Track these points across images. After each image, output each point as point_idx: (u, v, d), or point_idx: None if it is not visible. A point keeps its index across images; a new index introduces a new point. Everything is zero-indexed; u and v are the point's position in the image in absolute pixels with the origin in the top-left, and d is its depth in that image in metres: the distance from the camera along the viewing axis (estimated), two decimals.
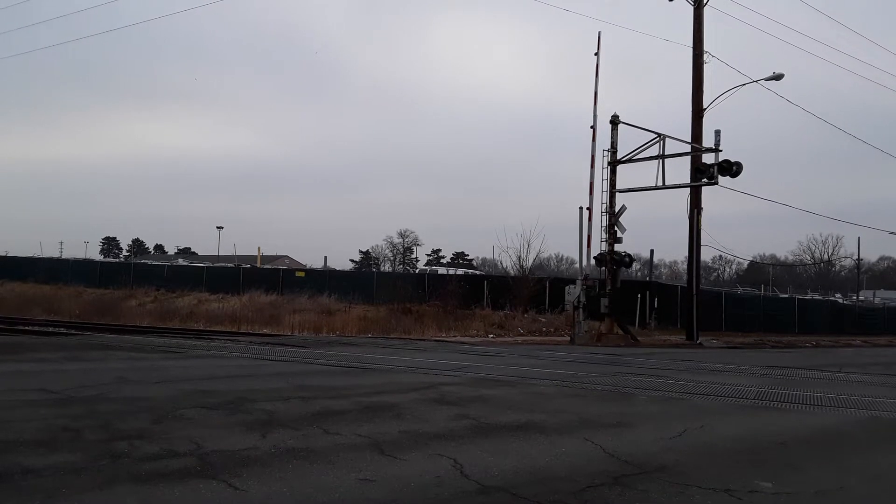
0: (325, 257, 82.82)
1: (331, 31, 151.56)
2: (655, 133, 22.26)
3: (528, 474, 4.30)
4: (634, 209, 22.86)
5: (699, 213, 23.67)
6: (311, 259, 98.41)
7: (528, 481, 4.13)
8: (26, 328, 19.71)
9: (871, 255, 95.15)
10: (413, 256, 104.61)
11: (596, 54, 22.45)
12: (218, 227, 73.86)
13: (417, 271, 69.63)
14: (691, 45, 24.82)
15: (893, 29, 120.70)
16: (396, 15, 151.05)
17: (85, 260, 60.19)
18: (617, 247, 22.23)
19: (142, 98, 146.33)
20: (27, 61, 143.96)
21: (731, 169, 21.22)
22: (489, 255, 75.75)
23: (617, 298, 22.42)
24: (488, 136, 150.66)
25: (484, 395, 7.89)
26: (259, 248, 70.94)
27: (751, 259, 77.74)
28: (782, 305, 41.14)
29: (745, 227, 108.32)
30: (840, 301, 56.32)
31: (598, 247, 22.32)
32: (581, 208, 22.18)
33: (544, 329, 26.38)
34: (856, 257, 68.26)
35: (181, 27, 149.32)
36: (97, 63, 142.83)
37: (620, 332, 22.10)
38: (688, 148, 23.10)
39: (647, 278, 42.36)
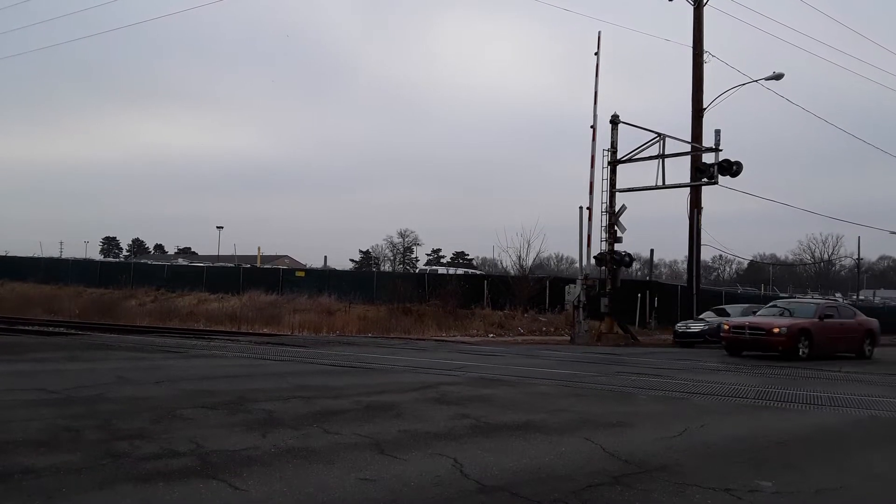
0: (326, 257, 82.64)
1: (333, 31, 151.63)
2: (655, 133, 22.28)
3: (529, 474, 4.30)
4: (634, 209, 22.92)
5: (699, 213, 23.70)
6: (312, 259, 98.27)
7: (529, 481, 4.13)
8: (26, 328, 19.72)
9: (871, 254, 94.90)
10: (413, 256, 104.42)
11: (596, 54, 22.48)
12: (218, 227, 73.73)
13: (417, 271, 69.47)
14: (691, 44, 24.86)
15: (894, 29, 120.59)
16: (398, 15, 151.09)
17: (85, 260, 60.08)
18: (617, 246, 22.25)
19: (142, 98, 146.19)
20: (27, 61, 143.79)
21: (731, 168, 21.24)
22: (489, 255, 75.57)
23: (617, 298, 22.44)
24: (489, 136, 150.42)
25: (484, 394, 7.89)
26: (259, 248, 70.91)
27: (751, 258, 77.56)
28: None
29: (745, 227, 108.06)
30: (840, 301, 56.27)
31: (598, 246, 22.36)
32: (581, 208, 22.22)
33: (544, 329, 26.37)
34: (856, 257, 68.35)
35: (182, 26, 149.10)
36: (97, 63, 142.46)
37: (620, 331, 22.10)
38: (688, 147, 23.11)
39: (647, 278, 42.36)
